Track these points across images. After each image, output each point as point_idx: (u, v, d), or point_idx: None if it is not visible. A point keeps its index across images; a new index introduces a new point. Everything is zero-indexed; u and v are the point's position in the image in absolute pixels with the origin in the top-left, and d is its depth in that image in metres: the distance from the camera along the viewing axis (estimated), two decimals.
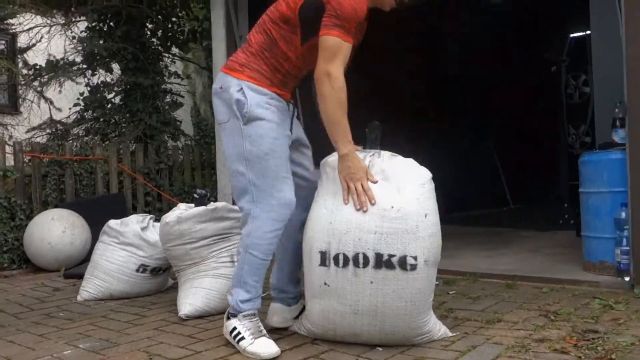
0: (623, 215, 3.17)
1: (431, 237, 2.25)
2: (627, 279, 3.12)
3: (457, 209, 7.30)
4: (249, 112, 2.24)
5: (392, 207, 2.20)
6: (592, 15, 3.96)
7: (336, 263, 2.21)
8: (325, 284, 2.24)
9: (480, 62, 7.81)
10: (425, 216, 2.24)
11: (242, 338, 2.25)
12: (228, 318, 2.35)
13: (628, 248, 3.13)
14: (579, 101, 6.79)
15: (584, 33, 5.85)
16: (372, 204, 2.20)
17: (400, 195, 2.23)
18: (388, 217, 2.19)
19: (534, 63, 7.71)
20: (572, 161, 3.61)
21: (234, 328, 2.29)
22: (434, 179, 2.36)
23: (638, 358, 2.00)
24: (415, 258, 2.18)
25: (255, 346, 2.22)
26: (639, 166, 3.07)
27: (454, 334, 2.41)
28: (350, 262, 2.19)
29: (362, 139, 2.44)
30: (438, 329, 2.36)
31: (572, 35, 6.97)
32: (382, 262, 2.17)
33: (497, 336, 2.37)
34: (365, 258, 2.18)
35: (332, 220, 2.24)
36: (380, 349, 2.28)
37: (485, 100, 8.21)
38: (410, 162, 2.36)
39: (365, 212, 2.20)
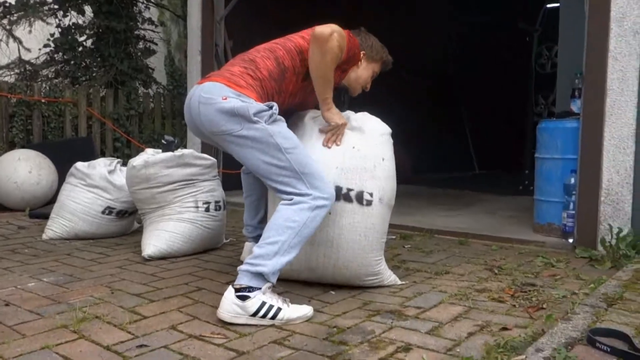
0: (572, 181, 3.34)
1: (387, 180, 2.43)
2: (570, 240, 3.31)
3: (424, 171, 7.48)
4: (273, 113, 2.18)
5: (354, 147, 2.40)
6: None
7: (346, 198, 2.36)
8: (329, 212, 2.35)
9: (455, 30, 7.86)
10: (383, 160, 2.43)
11: (279, 309, 2.02)
12: (243, 298, 2.01)
13: (574, 212, 3.31)
14: (550, 72, 6.92)
15: (558, 4, 5.95)
16: (338, 145, 2.41)
17: (361, 139, 2.44)
18: (349, 156, 2.39)
19: (508, 33, 7.79)
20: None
21: (263, 304, 2.01)
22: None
23: (566, 308, 2.17)
24: (371, 194, 2.36)
25: (298, 310, 2.07)
26: (590, 135, 3.22)
27: (403, 283, 2.56)
28: None
29: None
30: (388, 275, 2.51)
31: (547, 5, 7.03)
32: (341, 195, 2.34)
33: (443, 286, 2.53)
34: None
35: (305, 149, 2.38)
36: (333, 292, 2.41)
37: (458, 68, 8.30)
38: (374, 118, 2.56)
39: (329, 148, 2.40)
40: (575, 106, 3.54)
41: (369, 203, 2.36)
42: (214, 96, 2.17)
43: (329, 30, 2.22)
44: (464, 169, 8.83)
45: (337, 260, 2.37)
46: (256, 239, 2.80)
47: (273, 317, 2.01)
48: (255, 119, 2.14)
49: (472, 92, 8.69)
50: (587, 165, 3.23)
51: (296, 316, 2.05)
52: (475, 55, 8.39)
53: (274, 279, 2.08)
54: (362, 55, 2.56)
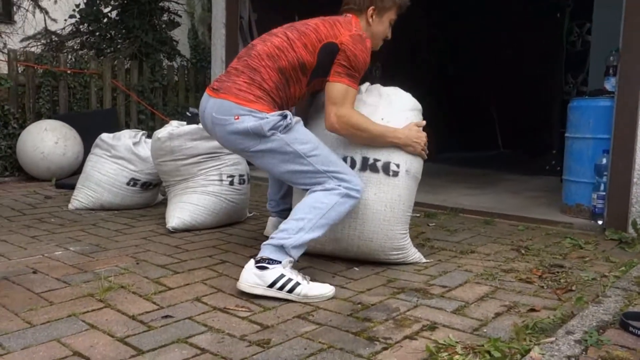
0: (604, 161, 3.25)
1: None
2: (599, 222, 3.24)
3: (448, 149, 7.39)
4: (288, 123, 2.14)
5: (382, 119, 2.38)
6: None
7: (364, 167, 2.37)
8: None
9: (481, 7, 7.68)
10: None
11: (297, 284, 1.99)
12: (262, 269, 2.00)
13: (604, 193, 3.23)
14: (580, 49, 6.73)
15: None
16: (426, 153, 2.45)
17: (390, 112, 2.42)
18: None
19: (537, 7, 7.58)
20: (566, 109, 3.66)
21: (281, 276, 1.99)
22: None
23: (596, 291, 2.12)
24: (398, 165, 2.36)
25: (317, 288, 2.03)
26: (625, 115, 3.12)
27: (428, 261, 2.53)
28: None
29: None
30: (413, 252, 2.48)
31: None
32: (368, 165, 2.35)
33: (469, 265, 2.49)
34: (353, 161, 2.37)
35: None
36: (357, 268, 2.40)
37: (484, 44, 8.12)
38: (405, 93, 2.53)
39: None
40: (609, 84, 3.43)
41: (396, 174, 2.35)
42: (226, 117, 2.15)
43: (334, 124, 2.24)
44: (489, 148, 8.70)
45: (362, 232, 2.35)
46: (279, 213, 2.81)
47: (290, 291, 1.99)
48: (271, 133, 2.12)
49: (498, 69, 8.51)
50: (620, 145, 3.14)
51: (314, 294, 2.01)
52: (501, 30, 8.20)
53: (295, 254, 2.07)
54: (371, 10, 2.39)
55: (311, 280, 2.08)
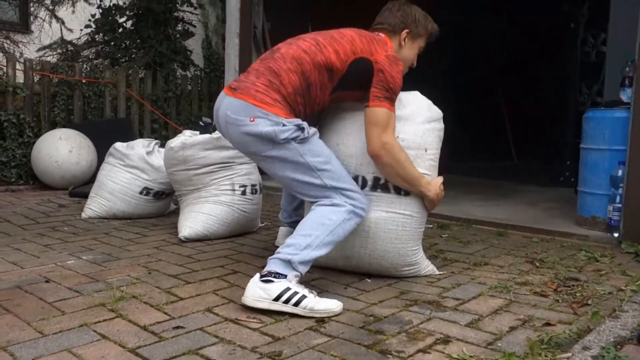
0: (620, 173, 3.21)
1: (428, 170, 2.36)
2: (615, 234, 3.19)
3: (460, 159, 7.35)
4: (305, 136, 2.12)
5: (397, 137, 2.28)
6: None
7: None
8: None
9: (494, 13, 7.65)
10: (426, 150, 2.36)
11: (304, 297, 1.94)
12: (267, 281, 1.96)
13: (620, 205, 3.19)
14: (595, 60, 6.68)
15: None
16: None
17: (405, 126, 2.33)
18: None
19: (551, 17, 7.54)
20: (581, 120, 3.63)
21: (287, 289, 1.94)
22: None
23: (612, 305, 2.08)
24: None
25: (324, 302, 1.97)
26: None
27: (441, 273, 2.50)
28: None
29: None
30: (425, 265, 2.46)
31: None
32: (379, 185, 2.30)
33: (482, 277, 2.46)
34: (364, 180, 2.31)
35: (339, 142, 2.35)
36: (369, 280, 2.38)
37: (497, 53, 8.09)
38: (424, 101, 2.45)
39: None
40: (625, 95, 3.39)
41: (407, 193, 2.31)
42: (241, 117, 2.11)
43: (379, 150, 2.18)
44: (502, 158, 8.64)
45: (374, 251, 2.32)
46: (291, 224, 2.77)
47: (296, 304, 1.93)
48: (284, 141, 2.09)
49: (511, 79, 8.47)
50: (636, 157, 3.09)
51: (320, 307, 1.95)
52: (515, 40, 8.16)
53: (302, 270, 2.03)
54: (405, 34, 2.39)
55: (322, 291, 2.06)
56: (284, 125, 2.08)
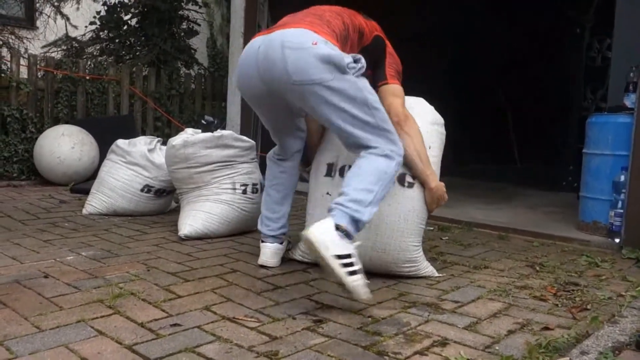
0: (622, 178, 3.20)
1: (432, 165, 2.41)
2: (617, 240, 3.18)
3: (463, 161, 7.34)
4: (362, 66, 2.10)
5: None
6: None
7: (341, 174, 2.39)
8: (327, 193, 2.42)
9: (497, 16, 7.64)
10: (429, 147, 2.42)
11: (355, 272, 1.91)
12: (342, 236, 1.92)
13: (622, 211, 3.18)
14: (600, 65, 6.67)
15: None
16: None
17: None
18: None
19: (555, 21, 7.52)
20: (584, 125, 3.62)
21: (350, 255, 1.91)
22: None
23: (612, 311, 2.07)
24: (413, 178, 2.37)
25: (362, 286, 1.95)
26: None
27: (441, 275, 2.50)
28: None
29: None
30: (425, 265, 2.46)
31: None
32: None
33: (482, 280, 2.45)
34: None
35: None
36: (368, 281, 2.34)
37: (501, 56, 8.07)
38: (429, 106, 2.57)
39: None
40: (629, 101, 3.38)
41: (411, 185, 2.37)
42: (304, 40, 2.02)
43: (405, 116, 2.31)
44: (505, 161, 8.62)
45: (375, 243, 2.34)
46: (278, 238, 2.54)
47: (351, 274, 1.89)
48: (348, 69, 2.04)
49: (514, 82, 8.46)
50: (639, 162, 3.08)
51: (360, 290, 1.94)
52: (520, 43, 8.15)
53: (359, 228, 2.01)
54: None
55: (320, 291, 2.09)
56: (343, 53, 2.07)
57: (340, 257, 1.88)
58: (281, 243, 2.57)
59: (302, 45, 2.02)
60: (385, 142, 2.13)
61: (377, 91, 2.26)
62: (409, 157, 2.29)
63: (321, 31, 2.10)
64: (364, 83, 2.11)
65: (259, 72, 2.13)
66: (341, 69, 2.03)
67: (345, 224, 1.93)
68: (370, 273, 2.40)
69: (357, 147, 2.15)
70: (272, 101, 2.23)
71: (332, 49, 2.03)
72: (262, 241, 2.55)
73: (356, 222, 1.97)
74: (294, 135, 2.50)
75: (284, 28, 2.12)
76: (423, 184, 2.37)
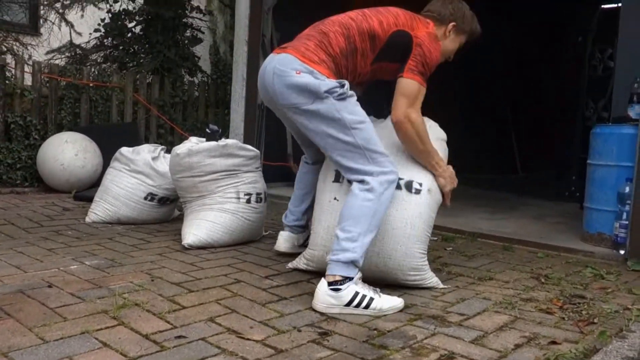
0: (627, 189, 3.19)
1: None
2: (622, 252, 3.17)
3: (466, 170, 7.33)
4: (344, 91, 2.20)
5: None
6: None
7: (349, 180, 2.36)
8: (335, 199, 2.43)
9: (503, 27, 7.65)
10: None
11: (372, 299, 2.07)
12: (336, 290, 2.06)
13: (627, 222, 3.16)
14: (602, 75, 6.67)
15: (616, 5, 5.70)
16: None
17: None
18: (402, 149, 2.46)
19: (560, 31, 7.54)
20: (587, 134, 3.62)
21: (356, 294, 2.06)
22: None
23: (619, 324, 2.06)
24: (420, 184, 2.41)
25: (389, 301, 2.11)
26: None
27: (446, 287, 2.48)
28: None
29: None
30: (430, 276, 2.45)
31: (603, 6, 6.79)
32: None
33: (487, 292, 2.44)
34: None
35: None
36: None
37: (505, 66, 8.09)
38: (433, 122, 2.62)
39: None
40: (633, 112, 3.38)
41: (418, 192, 2.40)
42: (287, 69, 2.22)
43: (401, 118, 2.29)
44: (507, 171, 8.62)
45: (382, 248, 2.34)
46: (293, 229, 2.86)
47: (367, 307, 2.06)
48: (326, 95, 2.17)
49: (518, 92, 8.47)
50: None
51: (388, 306, 2.09)
52: (522, 52, 8.16)
53: (362, 261, 2.14)
54: (451, 26, 2.50)
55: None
56: (325, 79, 2.20)
57: (348, 303, 2.06)
58: (295, 233, 2.86)
59: (285, 74, 2.22)
60: (372, 165, 2.21)
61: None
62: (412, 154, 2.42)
63: (311, 58, 2.24)
64: (345, 105, 2.21)
65: (266, 89, 2.34)
66: (319, 95, 2.18)
67: (336, 272, 2.09)
68: (377, 284, 2.40)
69: (338, 165, 2.30)
70: (283, 115, 2.40)
71: (310, 80, 2.19)
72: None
73: (352, 263, 2.11)
74: (313, 146, 2.56)
75: (282, 52, 2.30)
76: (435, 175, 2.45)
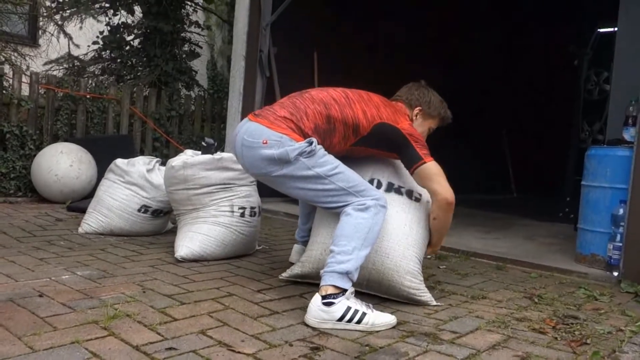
0: (621, 211, 3.20)
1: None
2: (615, 273, 3.17)
3: (461, 190, 7.35)
4: (312, 148, 2.22)
5: (421, 194, 2.59)
6: (620, 10, 3.93)
7: None
8: None
9: (500, 49, 7.74)
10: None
11: (364, 314, 2.07)
12: (328, 304, 2.06)
13: (621, 244, 3.17)
14: (597, 98, 6.74)
15: (612, 29, 5.76)
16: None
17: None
18: (402, 165, 2.53)
19: (556, 55, 7.62)
20: (582, 157, 3.65)
21: (348, 309, 2.06)
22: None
23: (612, 345, 2.05)
24: (420, 195, 2.55)
25: (382, 317, 2.12)
26: None
27: (439, 304, 2.48)
28: None
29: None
30: (424, 291, 2.46)
31: (599, 30, 6.88)
32: (393, 188, 2.55)
33: (480, 311, 2.43)
34: (379, 183, 2.55)
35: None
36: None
37: (502, 88, 8.16)
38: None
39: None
40: (628, 134, 3.41)
41: (418, 199, 2.54)
42: (255, 140, 2.25)
43: (446, 202, 2.39)
44: (502, 192, 8.65)
45: (380, 247, 2.38)
46: (304, 243, 2.90)
47: (359, 322, 2.06)
48: (295, 158, 2.21)
49: (514, 114, 8.53)
50: (638, 195, 3.09)
51: (380, 322, 2.10)
52: (518, 75, 8.24)
53: (356, 275, 2.15)
54: (417, 110, 2.62)
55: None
56: (294, 144, 2.21)
57: (340, 319, 2.06)
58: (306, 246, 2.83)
59: (252, 145, 2.26)
60: (360, 197, 2.25)
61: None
62: (435, 226, 2.54)
63: (280, 126, 2.24)
64: (315, 160, 2.23)
65: (237, 156, 2.40)
66: (287, 161, 2.21)
67: (330, 283, 2.10)
68: (370, 295, 2.40)
69: (329, 210, 2.35)
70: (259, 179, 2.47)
71: (276, 150, 2.20)
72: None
73: (346, 274, 2.12)
74: None
75: (254, 120, 2.31)
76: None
